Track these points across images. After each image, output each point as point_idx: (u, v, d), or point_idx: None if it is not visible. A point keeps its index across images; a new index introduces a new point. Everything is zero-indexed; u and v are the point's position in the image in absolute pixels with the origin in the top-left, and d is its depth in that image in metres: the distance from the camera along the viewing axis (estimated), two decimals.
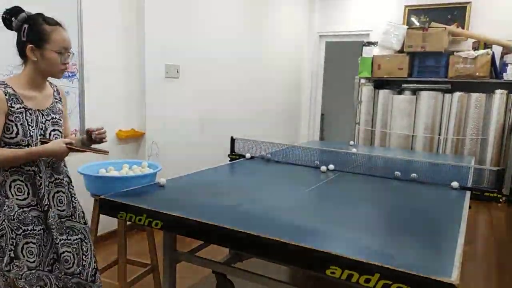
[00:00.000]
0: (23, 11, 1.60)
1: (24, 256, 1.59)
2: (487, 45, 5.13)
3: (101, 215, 2.15)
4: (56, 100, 1.73)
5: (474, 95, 5.04)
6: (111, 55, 3.33)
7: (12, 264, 1.57)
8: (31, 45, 1.56)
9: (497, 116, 4.95)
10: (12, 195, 1.58)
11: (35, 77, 1.63)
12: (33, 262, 1.60)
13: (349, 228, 1.58)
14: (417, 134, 5.34)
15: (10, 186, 1.58)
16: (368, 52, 5.65)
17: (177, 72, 3.84)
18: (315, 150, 3.21)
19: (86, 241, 1.80)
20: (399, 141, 5.43)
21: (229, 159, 3.04)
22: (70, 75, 2.97)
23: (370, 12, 6.04)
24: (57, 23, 1.61)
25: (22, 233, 1.58)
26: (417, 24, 5.67)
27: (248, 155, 2.93)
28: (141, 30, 3.48)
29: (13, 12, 1.58)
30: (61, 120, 1.73)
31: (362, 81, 5.73)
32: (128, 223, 1.99)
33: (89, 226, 1.87)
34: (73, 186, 1.82)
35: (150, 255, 2.47)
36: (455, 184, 2.25)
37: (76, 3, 2.94)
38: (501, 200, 2.30)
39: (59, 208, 1.71)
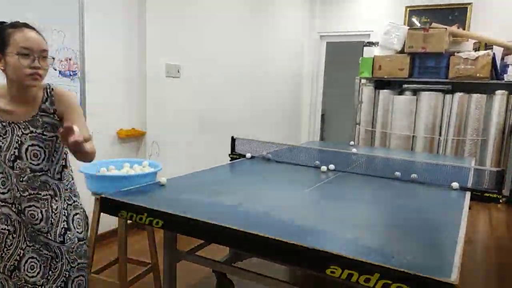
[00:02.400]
0: (2, 23, 1.50)
1: None
2: (487, 46, 5.13)
3: (101, 214, 2.16)
4: (42, 114, 1.57)
5: (475, 96, 5.04)
6: (112, 54, 3.33)
7: None
8: None
9: (498, 117, 4.96)
10: None
11: (12, 90, 1.52)
12: None
13: (349, 227, 1.58)
14: (418, 135, 5.35)
15: None
16: (369, 53, 5.66)
17: (178, 71, 3.85)
18: (315, 150, 3.21)
19: (57, 259, 1.64)
20: (400, 142, 5.43)
21: (230, 158, 3.04)
22: (71, 74, 2.97)
23: (371, 12, 6.04)
24: (24, 25, 1.48)
25: None
26: (418, 24, 5.67)
27: (248, 155, 2.94)
28: (142, 29, 3.49)
29: None
30: (45, 135, 1.57)
31: (363, 81, 5.73)
32: (129, 222, 2.00)
33: (71, 243, 1.67)
34: (65, 200, 1.69)
35: (151, 254, 2.47)
36: (455, 184, 2.26)
37: (78, 2, 2.95)
38: (501, 201, 2.30)
39: (31, 221, 1.60)
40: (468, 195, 2.15)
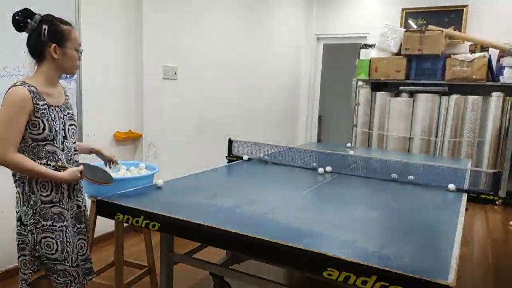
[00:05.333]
0: (33, 12, 1.64)
1: (42, 249, 1.63)
2: (483, 48, 5.15)
3: (98, 217, 2.15)
4: (67, 97, 1.80)
5: (471, 98, 5.06)
6: (109, 57, 3.32)
7: (34, 253, 1.65)
8: (54, 44, 1.61)
9: (494, 118, 4.98)
10: (38, 190, 1.63)
11: (53, 75, 1.68)
12: (53, 255, 1.64)
13: (346, 230, 1.58)
14: (414, 137, 5.36)
15: (36, 182, 1.63)
16: (366, 55, 5.67)
17: (175, 73, 3.84)
18: (312, 152, 3.22)
19: (87, 229, 1.88)
20: (396, 143, 5.44)
21: (227, 160, 3.04)
22: (68, 77, 2.96)
23: (368, 14, 6.06)
24: (70, 24, 1.70)
25: (41, 227, 1.62)
26: (415, 26, 5.70)
27: (245, 157, 2.94)
28: (139, 31, 3.48)
29: (27, 14, 1.62)
30: (74, 115, 1.79)
31: (360, 83, 5.74)
32: (125, 224, 1.99)
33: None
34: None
35: (147, 256, 2.47)
36: (451, 186, 2.26)
37: (74, 4, 2.94)
38: (497, 202, 2.31)
39: (78, 199, 1.77)
40: (464, 196, 2.16)
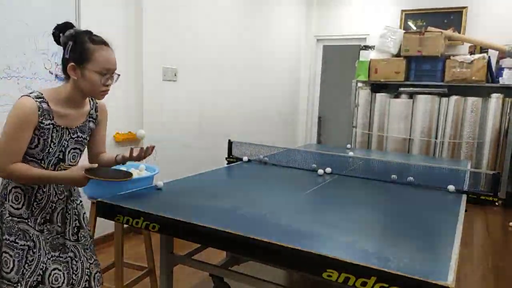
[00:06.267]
0: (72, 27, 1.57)
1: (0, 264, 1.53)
2: (483, 49, 5.16)
3: (98, 218, 2.15)
4: (90, 119, 1.69)
5: (470, 99, 5.06)
6: None
7: None
8: (72, 63, 1.51)
9: (493, 120, 4.98)
10: (9, 200, 1.54)
11: (74, 96, 1.58)
12: (7, 274, 1.51)
13: (345, 231, 1.59)
14: (414, 138, 5.37)
15: (10, 191, 1.54)
16: (365, 56, 5.68)
17: (175, 75, 3.85)
18: (312, 153, 3.22)
19: (76, 259, 1.68)
20: (396, 145, 5.45)
21: (227, 162, 3.04)
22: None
23: (367, 16, 6.07)
24: (103, 42, 1.57)
25: (4, 241, 1.52)
26: (414, 28, 5.71)
27: (245, 158, 2.94)
28: (139, 33, 3.49)
29: (61, 27, 1.56)
30: (86, 139, 1.69)
31: (359, 84, 5.75)
32: (125, 226, 1.99)
33: (85, 241, 1.75)
34: (74, 200, 1.75)
35: (147, 258, 2.47)
36: (451, 187, 2.27)
37: (74, 6, 2.95)
38: (497, 203, 2.31)
39: (58, 224, 1.65)
40: (464, 198, 2.16)
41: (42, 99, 1.51)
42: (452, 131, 5.17)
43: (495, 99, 4.96)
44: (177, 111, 3.94)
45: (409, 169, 2.76)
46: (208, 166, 2.67)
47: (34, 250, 1.55)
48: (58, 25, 1.57)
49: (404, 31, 5.42)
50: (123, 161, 1.79)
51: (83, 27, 3.01)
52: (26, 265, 1.53)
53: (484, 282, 3.04)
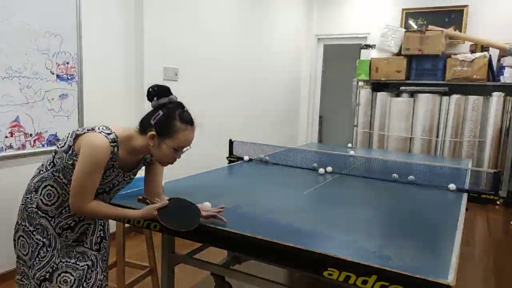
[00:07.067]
0: (168, 94, 1.57)
1: (17, 245, 1.60)
2: (484, 48, 5.16)
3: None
4: (143, 163, 1.70)
5: (472, 98, 5.06)
6: (110, 58, 3.33)
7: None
8: (153, 133, 1.50)
9: (494, 118, 4.98)
10: (40, 193, 1.56)
11: (142, 151, 1.58)
12: (24, 256, 1.58)
13: (346, 230, 1.59)
14: (415, 137, 5.36)
15: (45, 186, 1.55)
16: (366, 55, 5.67)
17: (176, 74, 3.85)
18: (313, 152, 3.22)
19: (92, 268, 1.66)
20: (397, 144, 5.45)
21: (228, 161, 3.05)
22: (69, 78, 2.97)
23: (368, 15, 6.06)
24: (189, 122, 1.56)
25: (23, 227, 1.58)
26: (415, 27, 5.70)
27: (246, 158, 2.94)
28: (140, 32, 3.49)
29: (159, 91, 1.56)
30: (132, 178, 1.70)
31: (360, 83, 5.75)
32: (127, 225, 2.00)
33: (104, 252, 1.74)
34: None
35: (149, 257, 2.47)
36: (452, 186, 2.27)
37: (75, 6, 2.95)
38: (498, 202, 2.32)
39: (77, 234, 1.64)
40: (465, 196, 2.16)
41: (116, 144, 1.51)
42: (453, 130, 5.17)
43: (496, 97, 4.95)
44: None
45: (410, 168, 2.76)
46: (209, 166, 2.68)
47: (48, 249, 1.58)
48: (157, 86, 1.57)
49: (405, 30, 5.41)
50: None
51: (83, 27, 3.03)
52: (38, 258, 1.57)
53: (485, 281, 3.04)
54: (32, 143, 2.76)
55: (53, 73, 2.84)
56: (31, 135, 2.75)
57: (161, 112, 1.53)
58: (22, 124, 2.69)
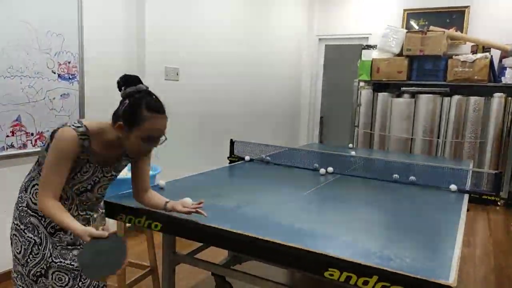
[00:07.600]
0: (137, 83, 1.53)
1: (12, 242, 1.58)
2: (485, 48, 5.15)
3: None
4: (125, 158, 1.65)
5: (473, 99, 5.05)
6: (112, 58, 3.33)
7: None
8: (120, 123, 1.47)
9: (496, 119, 4.97)
10: (29, 192, 1.56)
11: (116, 143, 1.53)
12: (18, 254, 1.56)
13: (347, 230, 1.59)
14: (416, 137, 5.36)
15: (33, 186, 1.55)
16: (367, 55, 5.67)
17: (177, 74, 3.85)
18: (314, 153, 3.22)
19: None
20: (398, 144, 5.44)
21: (229, 161, 3.05)
22: (70, 77, 2.97)
23: (370, 15, 6.06)
24: (157, 110, 1.51)
25: (15, 224, 1.57)
26: (416, 27, 5.70)
27: (247, 158, 2.94)
28: (141, 32, 3.50)
29: (127, 81, 1.54)
30: (117, 176, 1.66)
31: (361, 84, 5.74)
32: (128, 225, 2.00)
33: None
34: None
35: (149, 257, 2.47)
36: (453, 187, 2.26)
37: (77, 5, 2.95)
38: (499, 203, 2.31)
39: (70, 237, 1.60)
40: (466, 197, 2.16)
41: (85, 138, 1.48)
42: (454, 130, 5.16)
43: (498, 98, 4.95)
44: (179, 111, 3.94)
45: (411, 168, 2.76)
46: (210, 166, 2.68)
47: (40, 247, 1.56)
48: (125, 75, 1.54)
49: (406, 31, 5.41)
50: (173, 211, 1.64)
51: (85, 27, 3.03)
52: (31, 255, 1.56)
53: (486, 281, 3.04)
54: (33, 142, 2.76)
55: (54, 73, 2.84)
56: (32, 134, 2.75)
57: (127, 101, 1.50)
58: (24, 124, 2.69)
